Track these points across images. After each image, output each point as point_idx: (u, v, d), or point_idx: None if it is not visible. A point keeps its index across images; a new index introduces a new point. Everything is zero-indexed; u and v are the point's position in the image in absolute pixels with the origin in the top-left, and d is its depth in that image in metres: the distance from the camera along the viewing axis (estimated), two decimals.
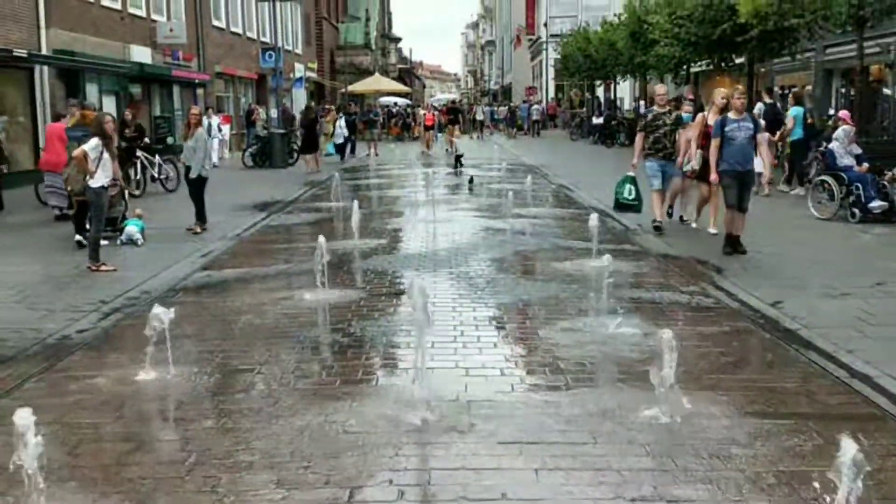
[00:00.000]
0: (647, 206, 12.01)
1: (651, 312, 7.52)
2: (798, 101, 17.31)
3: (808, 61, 23.91)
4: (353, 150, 29.77)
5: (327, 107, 33.96)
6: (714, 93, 11.76)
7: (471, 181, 19.07)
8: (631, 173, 12.00)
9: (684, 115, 12.88)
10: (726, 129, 9.79)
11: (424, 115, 35.28)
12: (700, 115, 11.75)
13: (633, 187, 11.98)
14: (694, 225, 12.06)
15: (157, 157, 17.60)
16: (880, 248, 10.61)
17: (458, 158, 23.77)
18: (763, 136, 10.88)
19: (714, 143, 9.95)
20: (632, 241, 11.55)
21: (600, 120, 36.30)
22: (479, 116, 44.99)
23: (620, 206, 12.32)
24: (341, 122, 28.19)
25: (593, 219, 9.83)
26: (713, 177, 10.04)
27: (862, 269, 8.91)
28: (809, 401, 5.28)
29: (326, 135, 28.25)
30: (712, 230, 11.25)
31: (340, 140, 28.31)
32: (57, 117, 13.93)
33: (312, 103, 36.59)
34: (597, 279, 8.31)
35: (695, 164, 11.36)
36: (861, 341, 6.33)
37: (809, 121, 16.68)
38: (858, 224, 12.16)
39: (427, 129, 33.68)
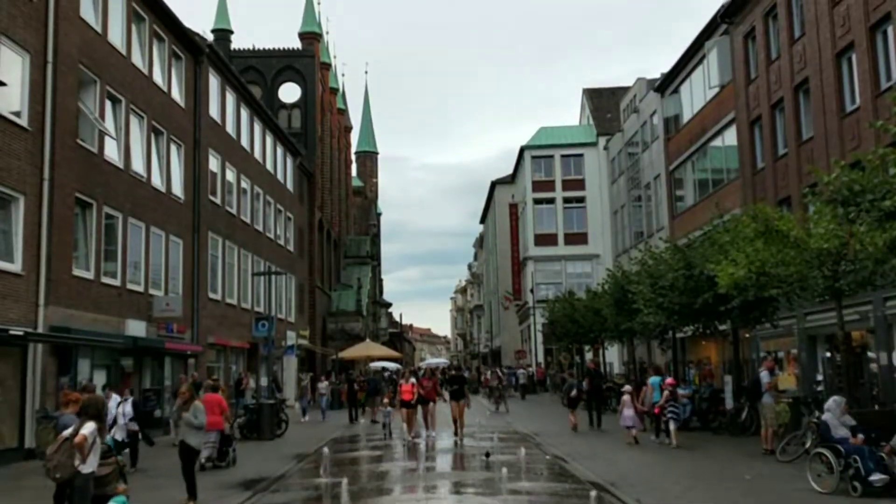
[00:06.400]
0: None
1: None
2: (657, 372, 24.40)
3: (790, 327, 24.49)
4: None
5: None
6: None
7: (487, 455, 18.67)
8: None
9: None
10: None
11: (400, 385, 25.11)
12: None
13: None
14: None
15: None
16: None
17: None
18: None
19: None
20: None
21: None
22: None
23: None
24: (126, 408, 16.61)
25: (592, 497, 9.59)
26: None
27: None
28: None
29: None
30: None
31: (123, 434, 16.26)
32: (214, 389, 17.91)
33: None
34: None
35: None
36: None
37: (662, 387, 21.48)
38: (861, 498, 11.85)
39: (404, 404, 23.56)
